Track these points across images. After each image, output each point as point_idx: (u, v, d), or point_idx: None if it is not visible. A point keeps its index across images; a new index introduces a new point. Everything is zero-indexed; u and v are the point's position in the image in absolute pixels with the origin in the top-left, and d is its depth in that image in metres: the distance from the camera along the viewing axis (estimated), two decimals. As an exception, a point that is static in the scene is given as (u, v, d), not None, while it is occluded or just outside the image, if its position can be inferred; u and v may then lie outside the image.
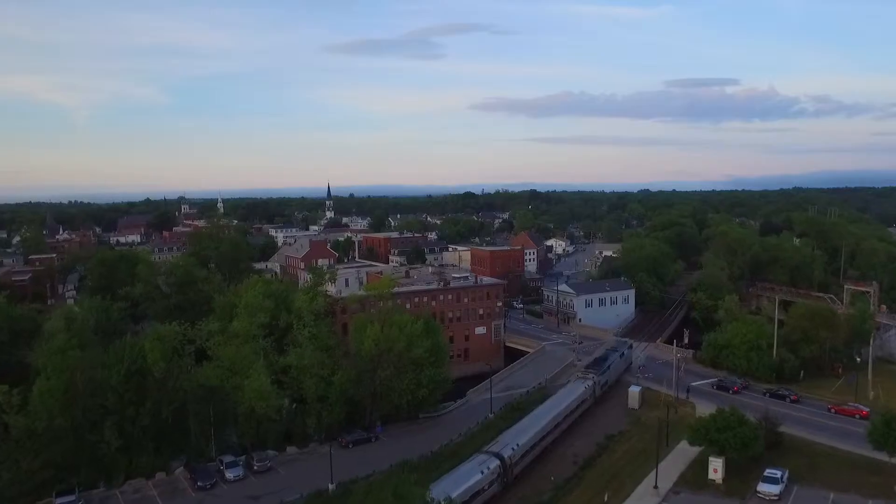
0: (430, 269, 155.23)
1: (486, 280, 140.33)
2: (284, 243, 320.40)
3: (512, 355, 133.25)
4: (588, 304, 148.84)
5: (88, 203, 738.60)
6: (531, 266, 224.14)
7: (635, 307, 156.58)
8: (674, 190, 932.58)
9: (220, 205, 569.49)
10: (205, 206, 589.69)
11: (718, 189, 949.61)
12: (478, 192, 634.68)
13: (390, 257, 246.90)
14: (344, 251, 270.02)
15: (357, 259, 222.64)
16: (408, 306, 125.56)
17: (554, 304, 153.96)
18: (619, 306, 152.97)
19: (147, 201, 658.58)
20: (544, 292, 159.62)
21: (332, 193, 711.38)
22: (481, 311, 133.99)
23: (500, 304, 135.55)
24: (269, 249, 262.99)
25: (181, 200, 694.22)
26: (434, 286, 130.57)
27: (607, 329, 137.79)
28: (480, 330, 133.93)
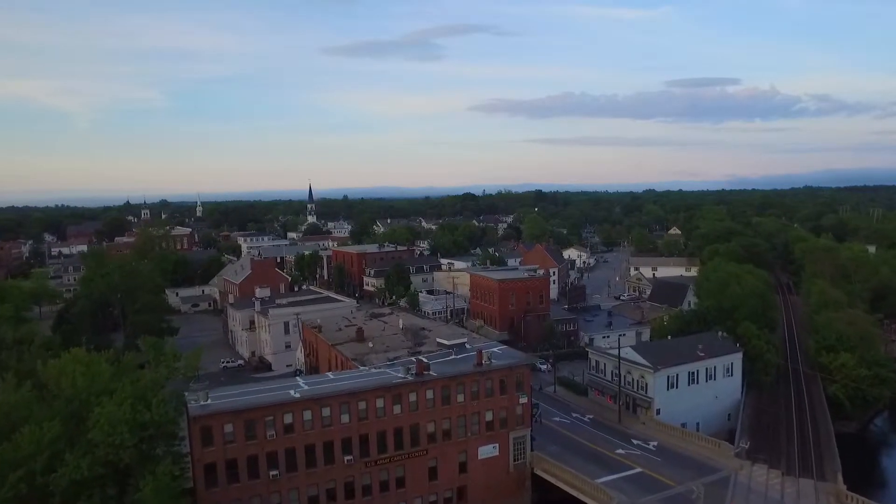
0: (400, 321, 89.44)
1: (500, 356, 74.40)
2: (247, 256, 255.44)
3: (545, 491, 68.65)
4: (671, 385, 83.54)
5: (76, 206, 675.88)
6: (552, 292, 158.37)
7: (741, 382, 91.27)
8: (680, 190, 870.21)
9: (198, 208, 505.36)
10: (180, 210, 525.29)
11: (719, 189, 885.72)
12: (478, 193, 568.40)
13: (365, 279, 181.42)
14: (309, 271, 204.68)
15: (309, 288, 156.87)
16: (345, 419, 60.75)
17: (609, 377, 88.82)
18: (718, 383, 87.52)
19: (127, 205, 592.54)
20: (591, 355, 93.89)
21: (329, 196, 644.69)
22: (490, 417, 68.67)
23: (523, 400, 70.04)
24: (213, 267, 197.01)
25: (161, 203, 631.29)
26: (400, 377, 64.79)
27: (721, 445, 71.82)
28: (488, 450, 68.63)
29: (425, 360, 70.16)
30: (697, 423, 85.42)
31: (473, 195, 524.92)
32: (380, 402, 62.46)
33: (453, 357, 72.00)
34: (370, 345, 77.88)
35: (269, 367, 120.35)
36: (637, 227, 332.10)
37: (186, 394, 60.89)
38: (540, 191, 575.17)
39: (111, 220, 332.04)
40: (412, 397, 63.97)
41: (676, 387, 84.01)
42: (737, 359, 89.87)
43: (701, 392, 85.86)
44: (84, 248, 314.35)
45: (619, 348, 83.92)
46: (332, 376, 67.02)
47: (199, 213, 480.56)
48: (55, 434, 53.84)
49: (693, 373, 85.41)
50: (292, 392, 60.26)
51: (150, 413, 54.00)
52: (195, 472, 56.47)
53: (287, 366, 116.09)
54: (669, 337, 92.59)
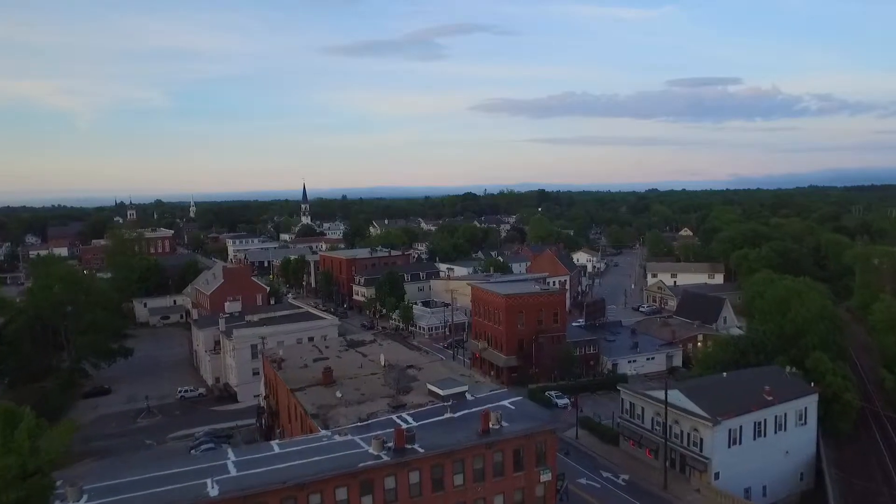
0: (382, 356, 69.40)
1: (514, 415, 54.33)
2: (233, 259, 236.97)
3: None
4: (733, 440, 63.65)
5: (71, 207, 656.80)
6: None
7: (816, 431, 71.32)
8: (684, 189, 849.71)
9: (191, 208, 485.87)
10: (174, 210, 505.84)
11: (723, 188, 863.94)
12: (479, 192, 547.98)
13: (354, 287, 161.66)
14: (295, 278, 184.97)
15: (289, 300, 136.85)
16: (290, 521, 40.20)
17: (649, 425, 69.01)
18: (789, 435, 67.74)
19: (120, 205, 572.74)
20: (623, 395, 73.98)
21: (329, 196, 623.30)
22: (501, 502, 48.93)
23: (546, 477, 50.23)
24: (189, 273, 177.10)
25: (155, 203, 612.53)
26: (372, 455, 44.99)
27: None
28: (498, 548, 48.86)
29: (410, 420, 50.46)
30: (764, 487, 65.99)
31: (474, 195, 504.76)
32: (342, 494, 42.63)
33: (449, 415, 52.12)
34: (338, 394, 57.87)
35: (234, 398, 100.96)
36: (648, 228, 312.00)
37: (59, 483, 41.30)
38: (543, 190, 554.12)
39: (95, 221, 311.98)
40: (389, 483, 44.14)
41: (739, 442, 64.12)
42: (811, 402, 69.98)
43: (769, 447, 66.02)
44: (65, 251, 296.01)
45: (665, 391, 63.91)
46: (277, 449, 47.13)
47: (192, 214, 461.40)
48: None
49: (760, 423, 65.53)
50: (209, 484, 40.35)
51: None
52: None
53: (255, 396, 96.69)
54: (725, 374, 72.47)
